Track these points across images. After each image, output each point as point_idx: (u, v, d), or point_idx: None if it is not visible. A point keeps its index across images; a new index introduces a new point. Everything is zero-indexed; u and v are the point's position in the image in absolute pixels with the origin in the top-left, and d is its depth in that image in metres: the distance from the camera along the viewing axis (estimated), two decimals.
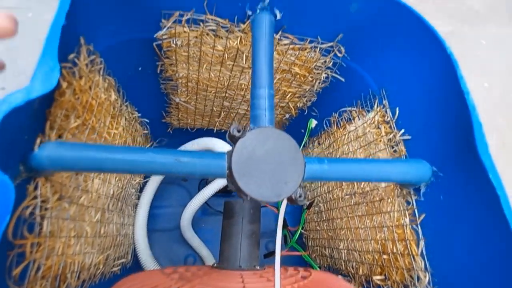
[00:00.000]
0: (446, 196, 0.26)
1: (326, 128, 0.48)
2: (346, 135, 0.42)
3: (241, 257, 0.34)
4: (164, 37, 0.32)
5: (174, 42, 0.33)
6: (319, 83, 0.41)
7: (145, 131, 0.48)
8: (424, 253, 0.28)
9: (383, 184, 0.34)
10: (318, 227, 0.50)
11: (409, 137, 0.31)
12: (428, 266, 0.27)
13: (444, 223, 0.26)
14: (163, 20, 0.30)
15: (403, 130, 0.31)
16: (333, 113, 0.44)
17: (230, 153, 0.20)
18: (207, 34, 0.33)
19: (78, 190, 0.28)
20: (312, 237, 0.53)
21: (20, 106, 0.18)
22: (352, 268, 0.39)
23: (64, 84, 0.24)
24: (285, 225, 0.53)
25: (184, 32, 0.32)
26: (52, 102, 0.24)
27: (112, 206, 0.36)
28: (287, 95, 0.44)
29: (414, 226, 0.29)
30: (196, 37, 0.33)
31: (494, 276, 0.22)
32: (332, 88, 0.42)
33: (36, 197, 0.21)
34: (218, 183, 0.52)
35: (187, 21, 0.31)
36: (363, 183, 0.37)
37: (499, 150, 0.92)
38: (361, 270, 0.37)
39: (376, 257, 0.34)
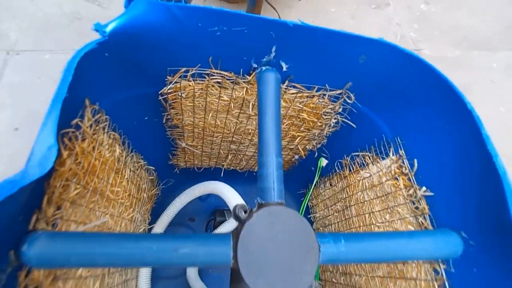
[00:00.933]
0: (479, 269, 0.23)
1: (338, 170, 0.45)
2: (360, 181, 0.39)
3: None
4: (169, 91, 0.32)
5: (180, 94, 0.32)
6: (329, 127, 0.39)
7: (151, 177, 0.47)
8: None
9: None
10: (334, 279, 0.46)
11: (431, 194, 0.28)
12: None
13: None
14: (168, 77, 0.30)
15: (424, 188, 0.28)
16: (345, 156, 0.42)
17: (235, 238, 0.18)
18: (213, 86, 0.32)
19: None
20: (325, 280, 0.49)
21: (13, 194, 0.17)
22: None
23: (65, 153, 0.23)
24: None
25: (189, 85, 0.31)
26: (52, 173, 0.23)
27: (113, 268, 0.34)
28: (296, 139, 0.42)
29: None
30: (202, 89, 0.32)
31: None
32: (343, 131, 0.40)
33: (29, 272, 0.19)
34: (228, 227, 0.50)
35: (193, 75, 0.30)
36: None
37: None
38: None
39: None
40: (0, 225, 0.17)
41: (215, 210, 0.60)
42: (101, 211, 0.30)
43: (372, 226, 0.36)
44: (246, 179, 0.62)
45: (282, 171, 0.22)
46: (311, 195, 0.56)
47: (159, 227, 0.51)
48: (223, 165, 0.55)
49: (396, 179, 0.32)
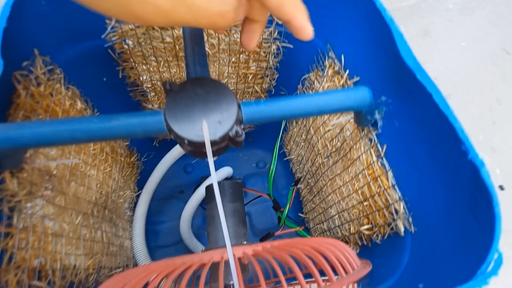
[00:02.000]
0: (399, 121, 0.27)
1: None
2: None
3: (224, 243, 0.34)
4: (113, 38, 0.35)
5: (126, 42, 0.36)
6: (273, 57, 0.42)
7: (126, 143, 0.50)
8: (394, 183, 0.27)
9: (348, 133, 0.34)
10: (313, 205, 0.50)
11: (358, 79, 0.31)
12: (400, 195, 0.27)
13: (403, 147, 0.26)
14: (107, 21, 0.33)
15: (347, 71, 0.32)
16: (298, 86, 0.46)
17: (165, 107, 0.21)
18: (153, 29, 0.35)
19: (53, 191, 0.29)
20: (311, 219, 0.52)
21: None
22: (346, 230, 0.38)
23: (20, 87, 0.26)
24: (277, 207, 0.52)
25: (131, 30, 0.35)
26: (11, 105, 0.26)
27: (98, 213, 0.37)
28: (248, 77, 0.45)
29: (381, 161, 0.29)
30: (144, 33, 0.35)
31: (448, 183, 0.21)
32: (288, 60, 0.43)
33: (3, 181, 0.22)
34: (205, 185, 0.53)
35: None
36: (334, 140, 0.37)
37: (493, 107, 0.91)
38: (352, 228, 0.36)
39: (361, 208, 0.33)
40: None
41: (202, 177, 0.64)
42: (72, 155, 0.33)
43: (321, 128, 0.39)
44: None
45: (207, 60, 0.25)
46: (284, 141, 0.59)
47: (146, 194, 0.54)
48: None
49: (333, 80, 0.36)
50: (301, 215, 0.55)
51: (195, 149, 0.21)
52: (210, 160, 0.20)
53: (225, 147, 0.23)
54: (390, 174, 0.28)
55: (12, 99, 0.26)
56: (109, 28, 0.33)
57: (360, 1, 0.28)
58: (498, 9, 1.20)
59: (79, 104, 0.36)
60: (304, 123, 0.47)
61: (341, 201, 0.37)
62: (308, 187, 0.50)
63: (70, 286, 0.29)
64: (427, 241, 0.24)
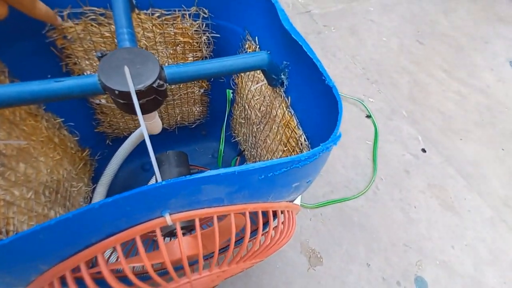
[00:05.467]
0: (296, 76, 0.34)
1: (235, 89, 0.56)
2: (244, 83, 0.50)
3: None
4: (54, 35, 0.39)
5: (67, 38, 0.40)
6: (205, 46, 0.49)
7: (76, 138, 0.53)
8: (298, 122, 0.35)
9: (268, 97, 0.41)
10: (252, 151, 0.56)
11: (269, 52, 0.39)
12: (302, 130, 0.34)
13: (300, 96, 0.34)
14: None
15: (257, 46, 0.40)
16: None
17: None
18: (92, 25, 0.40)
19: (2, 166, 0.32)
20: None
21: None
22: None
23: None
24: None
25: (71, 27, 0.39)
26: None
27: (49, 194, 0.40)
28: None
29: (289, 110, 0.36)
30: (83, 30, 0.40)
31: (323, 109, 0.29)
32: (219, 48, 0.50)
33: None
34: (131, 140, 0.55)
35: (69, 16, 0.38)
36: (261, 107, 0.45)
37: (412, 88, 1.07)
38: None
39: (284, 156, 0.40)
40: None
41: None
42: (20, 139, 0.36)
43: (252, 101, 0.46)
44: (177, 137, 0.69)
45: (135, 37, 0.31)
46: (231, 126, 0.66)
47: (101, 186, 0.56)
48: None
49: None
50: None
51: (126, 101, 0.26)
52: (135, 99, 0.25)
53: (154, 101, 0.28)
54: (294, 118, 0.35)
55: None
56: (48, 25, 0.38)
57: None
58: (410, 8, 1.43)
59: None
60: (242, 102, 0.54)
61: (272, 157, 0.44)
62: (252, 159, 0.57)
63: None
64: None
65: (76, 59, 0.44)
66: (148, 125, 0.36)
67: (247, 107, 0.50)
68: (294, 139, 0.36)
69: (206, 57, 0.52)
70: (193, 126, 0.69)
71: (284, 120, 0.37)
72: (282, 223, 0.29)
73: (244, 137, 0.59)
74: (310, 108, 0.32)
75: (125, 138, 0.66)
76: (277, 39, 0.35)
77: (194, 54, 0.50)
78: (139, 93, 0.26)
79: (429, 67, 1.18)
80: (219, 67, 0.30)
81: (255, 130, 0.49)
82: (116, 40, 0.31)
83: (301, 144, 0.34)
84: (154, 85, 0.26)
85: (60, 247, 0.19)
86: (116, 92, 0.25)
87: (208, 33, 0.48)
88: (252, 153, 0.55)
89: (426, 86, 1.11)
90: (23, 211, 0.33)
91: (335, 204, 0.74)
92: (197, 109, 0.65)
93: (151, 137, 0.57)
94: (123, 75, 0.26)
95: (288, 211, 0.30)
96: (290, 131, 0.36)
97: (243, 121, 0.56)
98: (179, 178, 0.19)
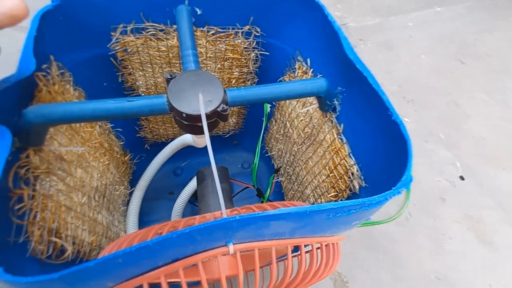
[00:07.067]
0: (351, 104, 0.34)
1: (275, 105, 0.56)
2: (288, 101, 0.50)
3: (215, 210, 0.39)
4: (116, 48, 0.41)
5: (127, 51, 0.42)
6: (252, 63, 0.50)
7: (122, 142, 0.55)
8: (350, 151, 0.34)
9: (315, 120, 0.41)
10: (292, 192, 0.56)
11: (321, 75, 0.39)
12: (354, 159, 0.34)
13: (354, 124, 0.34)
14: (112, 33, 0.40)
15: (312, 70, 0.40)
16: None
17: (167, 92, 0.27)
18: (151, 40, 0.42)
19: (63, 171, 0.34)
20: None
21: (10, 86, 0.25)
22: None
23: (41, 83, 0.31)
24: (261, 195, 0.58)
25: (132, 41, 0.41)
26: (33, 98, 0.31)
27: (98, 198, 0.42)
28: (232, 82, 0.53)
29: (340, 137, 0.36)
30: (142, 43, 0.42)
31: (381, 140, 0.29)
32: (265, 65, 0.51)
33: (28, 156, 0.27)
34: (194, 182, 0.58)
35: (132, 31, 0.40)
36: (306, 128, 0.44)
37: (452, 109, 1.03)
38: (323, 200, 0.42)
39: (328, 181, 0.40)
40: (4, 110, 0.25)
41: (191, 178, 0.68)
42: (78, 145, 0.38)
43: (295, 120, 0.46)
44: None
45: (198, 59, 0.32)
46: (266, 140, 0.66)
47: (139, 190, 0.58)
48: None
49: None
50: None
51: (192, 123, 0.27)
52: (205, 124, 0.25)
53: (214, 123, 0.29)
54: (346, 146, 0.34)
55: (35, 93, 0.31)
56: (114, 39, 0.40)
57: (317, 17, 0.36)
58: (451, 26, 1.38)
59: None
60: (282, 119, 0.54)
61: (314, 180, 0.44)
62: (288, 177, 0.56)
63: (77, 253, 0.33)
64: (375, 192, 0.30)
65: (131, 70, 0.46)
66: (198, 140, 0.37)
67: (288, 125, 0.50)
68: (344, 167, 0.35)
69: (251, 73, 0.52)
70: (227, 136, 0.70)
71: (333, 146, 0.37)
72: (331, 254, 0.28)
73: (279, 153, 0.59)
74: (367, 139, 0.31)
75: (163, 143, 0.68)
76: (334, 64, 0.35)
77: (240, 69, 0.51)
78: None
79: (469, 88, 1.13)
80: (278, 92, 0.30)
81: (295, 149, 0.49)
82: (181, 61, 0.32)
83: (352, 174, 0.33)
84: (219, 109, 0.27)
85: (131, 269, 0.20)
86: (184, 115, 0.26)
87: (257, 50, 0.48)
88: (288, 170, 0.55)
89: (466, 109, 1.06)
90: (78, 215, 0.34)
91: (364, 227, 0.72)
92: (233, 120, 0.66)
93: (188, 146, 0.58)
94: (191, 99, 0.26)
95: (337, 242, 0.29)
96: (339, 159, 0.36)
97: (281, 138, 0.56)
98: (252, 214, 0.19)
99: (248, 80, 0.54)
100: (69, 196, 0.33)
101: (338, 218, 0.21)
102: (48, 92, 0.33)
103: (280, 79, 0.50)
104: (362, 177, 0.32)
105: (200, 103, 0.25)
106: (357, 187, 0.33)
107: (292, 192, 0.55)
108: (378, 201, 0.21)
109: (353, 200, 0.20)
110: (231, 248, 0.22)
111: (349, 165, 0.34)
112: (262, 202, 0.57)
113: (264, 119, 0.62)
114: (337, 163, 0.36)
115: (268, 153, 0.66)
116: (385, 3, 1.40)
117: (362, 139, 0.32)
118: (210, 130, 0.30)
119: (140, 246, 0.18)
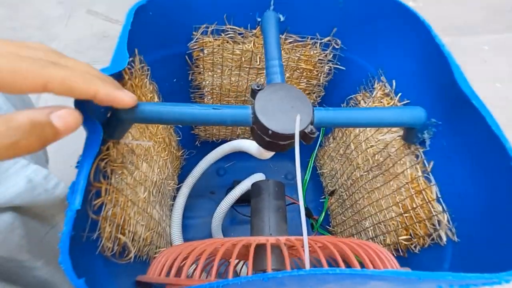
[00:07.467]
0: (448, 140, 0.30)
1: None
2: None
3: (270, 228, 0.37)
4: (194, 47, 0.41)
5: (203, 51, 0.42)
6: (324, 76, 0.47)
7: (179, 138, 0.55)
8: (439, 196, 0.30)
9: (393, 149, 0.37)
10: (343, 217, 0.52)
11: (408, 101, 0.35)
12: (444, 207, 0.29)
13: (450, 164, 0.29)
14: (194, 33, 0.39)
15: (399, 95, 0.35)
16: (342, 105, 0.50)
17: (252, 103, 0.25)
18: (227, 42, 0.41)
19: (132, 165, 0.34)
20: (340, 232, 0.54)
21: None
22: (380, 242, 0.40)
23: (126, 77, 0.32)
24: (310, 215, 0.55)
25: (210, 42, 0.40)
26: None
27: (155, 193, 0.42)
28: None
29: (426, 175, 0.31)
30: (219, 45, 0.41)
31: (491, 196, 0.24)
32: (336, 80, 0.47)
33: (108, 149, 0.27)
34: (241, 188, 0.56)
35: (212, 32, 0.40)
36: (377, 156, 0.40)
37: None
38: (388, 240, 0.38)
39: (399, 220, 0.35)
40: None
41: (234, 180, 0.67)
42: (147, 139, 0.38)
43: (363, 144, 0.42)
44: None
45: (283, 70, 0.30)
46: (318, 156, 0.62)
47: (186, 187, 0.58)
48: (238, 134, 0.63)
49: (381, 102, 0.39)
50: (329, 227, 0.57)
51: (274, 141, 0.25)
52: (297, 146, 0.23)
53: (290, 144, 0.27)
54: (435, 188, 0.30)
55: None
56: (195, 38, 0.40)
57: (420, 37, 0.32)
58: None
59: (155, 98, 0.41)
60: (344, 139, 0.50)
61: (378, 214, 0.40)
62: (340, 200, 0.52)
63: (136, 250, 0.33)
64: (468, 250, 0.26)
65: (202, 70, 0.45)
66: (266, 153, 0.35)
67: (353, 147, 0.46)
68: (427, 212, 0.31)
69: (319, 86, 0.50)
70: None
71: (415, 184, 0.33)
72: None
73: (333, 172, 0.55)
74: (468, 188, 0.27)
75: (213, 142, 0.68)
76: (432, 93, 0.31)
77: (308, 81, 0.48)
78: (289, 136, 0.24)
79: None
80: (369, 118, 0.27)
81: (357, 175, 0.45)
82: (265, 72, 0.30)
83: (439, 222, 0.29)
84: (306, 130, 0.25)
85: None
86: (270, 132, 0.24)
87: (332, 63, 0.45)
88: (342, 194, 0.51)
89: None
90: (139, 211, 0.34)
91: None
92: None
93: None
94: (280, 115, 0.24)
95: None
96: (421, 200, 0.32)
97: (339, 157, 0.52)
98: (354, 270, 0.16)
99: (314, 93, 0.51)
100: (134, 190, 0.34)
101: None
102: (131, 85, 0.33)
103: (351, 96, 0.46)
104: (454, 231, 0.27)
105: (296, 125, 0.23)
106: (444, 239, 0.28)
107: (343, 218, 0.51)
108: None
109: (478, 274, 0.16)
110: None
111: (435, 212, 0.30)
112: (312, 224, 0.54)
113: (321, 134, 0.59)
114: (418, 204, 0.32)
115: (317, 170, 0.63)
116: (459, 20, 1.27)
117: (460, 186, 0.28)
118: (287, 149, 0.28)
119: (242, 280, 0.16)
